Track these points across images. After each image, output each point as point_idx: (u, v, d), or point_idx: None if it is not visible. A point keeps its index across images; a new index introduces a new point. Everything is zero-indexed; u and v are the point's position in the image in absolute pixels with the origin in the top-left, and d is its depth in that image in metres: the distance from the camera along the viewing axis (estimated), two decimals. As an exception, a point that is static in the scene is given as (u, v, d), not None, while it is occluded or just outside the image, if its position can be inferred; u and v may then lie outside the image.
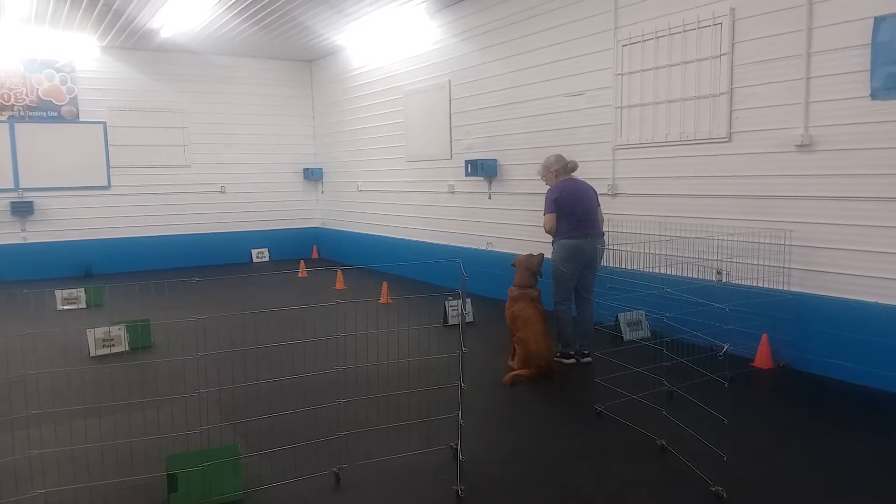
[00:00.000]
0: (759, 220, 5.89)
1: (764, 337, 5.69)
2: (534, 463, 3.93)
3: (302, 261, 12.51)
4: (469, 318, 7.33)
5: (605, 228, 6.20)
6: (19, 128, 11.39)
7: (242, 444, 3.93)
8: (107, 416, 4.52)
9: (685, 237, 6.32)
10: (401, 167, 11.20)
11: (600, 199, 6.15)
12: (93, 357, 6.30)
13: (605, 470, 3.82)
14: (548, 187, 6.06)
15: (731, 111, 6.09)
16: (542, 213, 5.93)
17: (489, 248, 9.20)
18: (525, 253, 6.04)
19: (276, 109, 13.69)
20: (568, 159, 6.09)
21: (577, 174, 6.11)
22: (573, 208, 5.77)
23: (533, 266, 5.76)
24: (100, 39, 11.35)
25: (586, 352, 5.94)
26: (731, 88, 6.07)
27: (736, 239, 5.94)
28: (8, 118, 11.28)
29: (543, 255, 5.90)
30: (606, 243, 6.00)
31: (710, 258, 6.07)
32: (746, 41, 5.93)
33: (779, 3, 5.65)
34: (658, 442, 4.03)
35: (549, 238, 5.99)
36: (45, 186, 11.59)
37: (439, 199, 10.28)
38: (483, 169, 8.93)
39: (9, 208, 11.29)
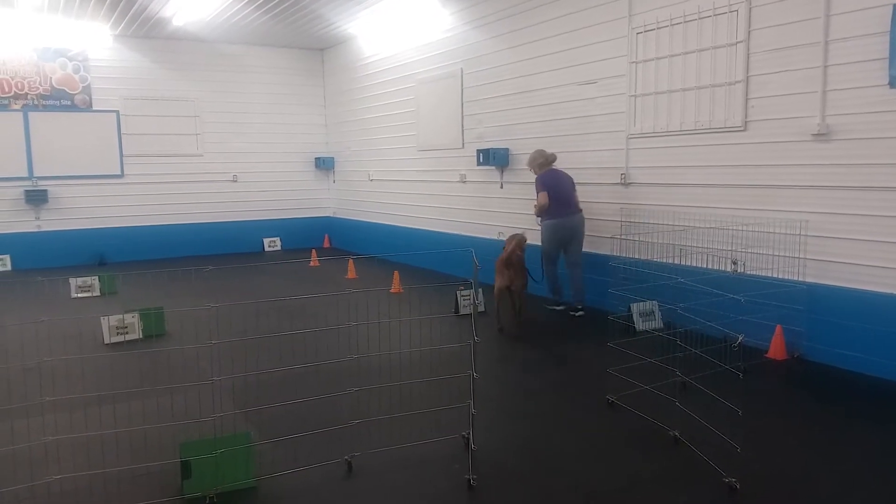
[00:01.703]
0: (775, 210, 5.83)
1: (778, 328, 5.65)
2: (546, 453, 3.93)
3: (314, 250, 12.53)
4: (481, 308, 7.33)
5: (619, 218, 6.48)
6: (33, 116, 11.45)
7: (255, 432, 3.95)
8: (121, 403, 4.56)
9: (699, 227, 6.27)
10: (412, 156, 11.17)
11: (613, 188, 6.85)
12: (107, 344, 6.35)
13: (617, 460, 3.81)
14: (535, 176, 7.41)
15: (746, 100, 6.02)
16: (536, 195, 7.25)
17: (501, 238, 9.16)
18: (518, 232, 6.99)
19: (287, 98, 13.68)
20: (548, 153, 7.38)
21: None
22: (556, 192, 7.13)
23: (518, 242, 6.75)
24: (112, 28, 11.37)
25: (579, 307, 7.19)
26: (747, 77, 6.00)
27: (751, 229, 5.89)
28: (22, 107, 11.34)
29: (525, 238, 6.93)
30: (585, 219, 7.25)
31: (724, 248, 6.02)
32: (763, 29, 5.85)
33: (796, -10, 5.57)
34: (671, 433, 4.02)
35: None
36: (58, 175, 11.65)
37: (451, 189, 10.25)
38: (495, 158, 8.89)
39: (23, 197, 11.38)
